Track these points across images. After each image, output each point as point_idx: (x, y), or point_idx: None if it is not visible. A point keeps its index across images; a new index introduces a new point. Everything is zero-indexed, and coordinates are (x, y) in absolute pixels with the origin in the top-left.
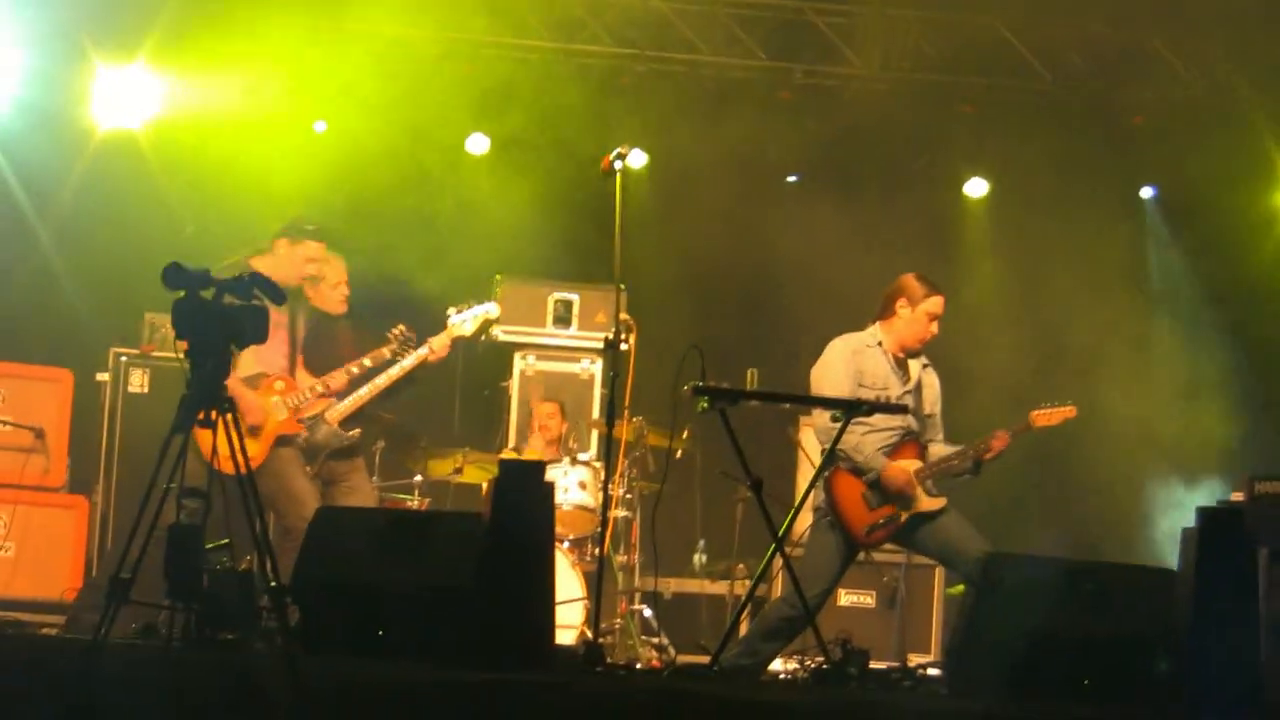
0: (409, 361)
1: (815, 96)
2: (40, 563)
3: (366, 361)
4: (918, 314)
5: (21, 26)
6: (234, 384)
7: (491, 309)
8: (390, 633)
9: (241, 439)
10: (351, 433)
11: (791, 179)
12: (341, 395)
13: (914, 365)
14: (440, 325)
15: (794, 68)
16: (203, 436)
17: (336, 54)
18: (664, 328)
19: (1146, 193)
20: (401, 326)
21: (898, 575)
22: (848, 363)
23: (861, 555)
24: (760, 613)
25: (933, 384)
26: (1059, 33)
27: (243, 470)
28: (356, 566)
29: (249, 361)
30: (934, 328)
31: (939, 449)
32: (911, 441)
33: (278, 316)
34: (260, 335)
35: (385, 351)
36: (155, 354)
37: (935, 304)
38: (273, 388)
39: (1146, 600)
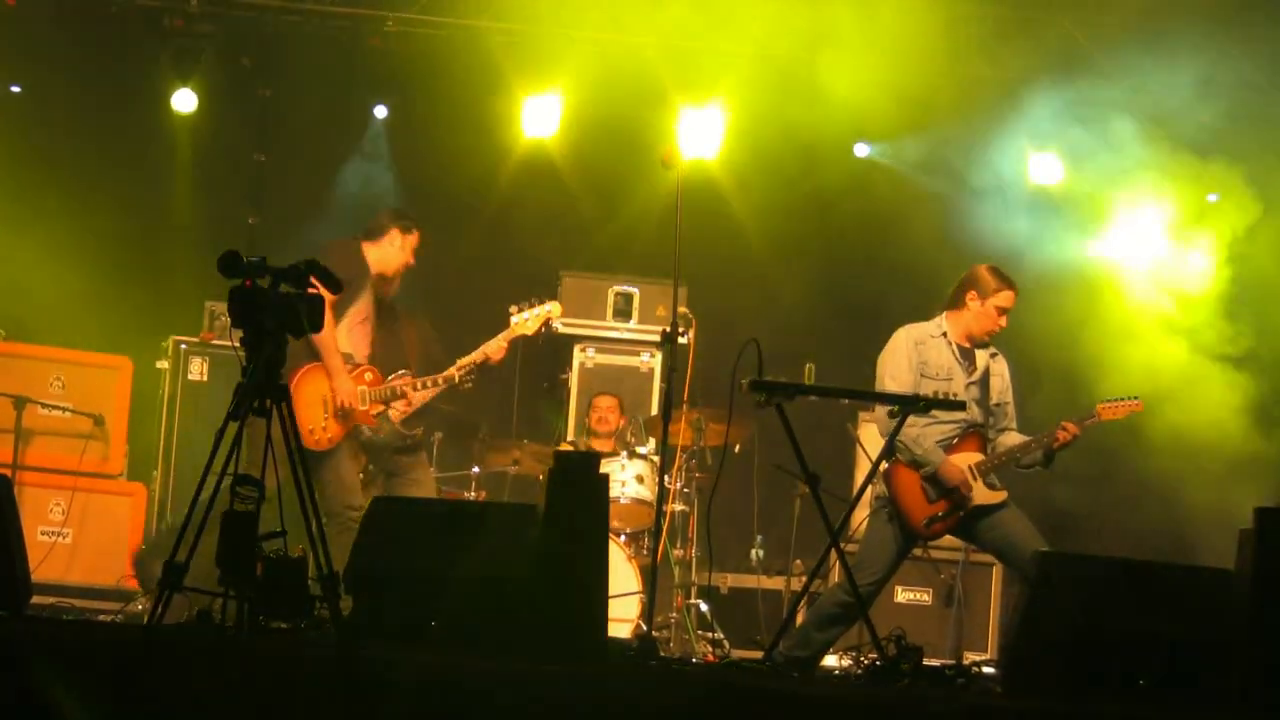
0: (468, 360)
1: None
2: (98, 549)
3: (439, 381)
4: (987, 307)
5: None
6: (338, 364)
7: (552, 308)
8: (444, 623)
9: (296, 428)
10: (415, 431)
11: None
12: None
13: (981, 354)
14: (502, 321)
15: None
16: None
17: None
18: (724, 321)
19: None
20: (469, 364)
21: (955, 573)
22: (910, 353)
23: (919, 551)
24: (814, 603)
25: (1002, 372)
26: None
27: (297, 457)
28: (411, 556)
29: (341, 342)
30: (1003, 321)
31: (1011, 439)
32: (974, 434)
33: (363, 309)
34: (316, 324)
35: (454, 375)
36: (214, 342)
37: (1006, 298)
38: (363, 377)
39: (1203, 600)
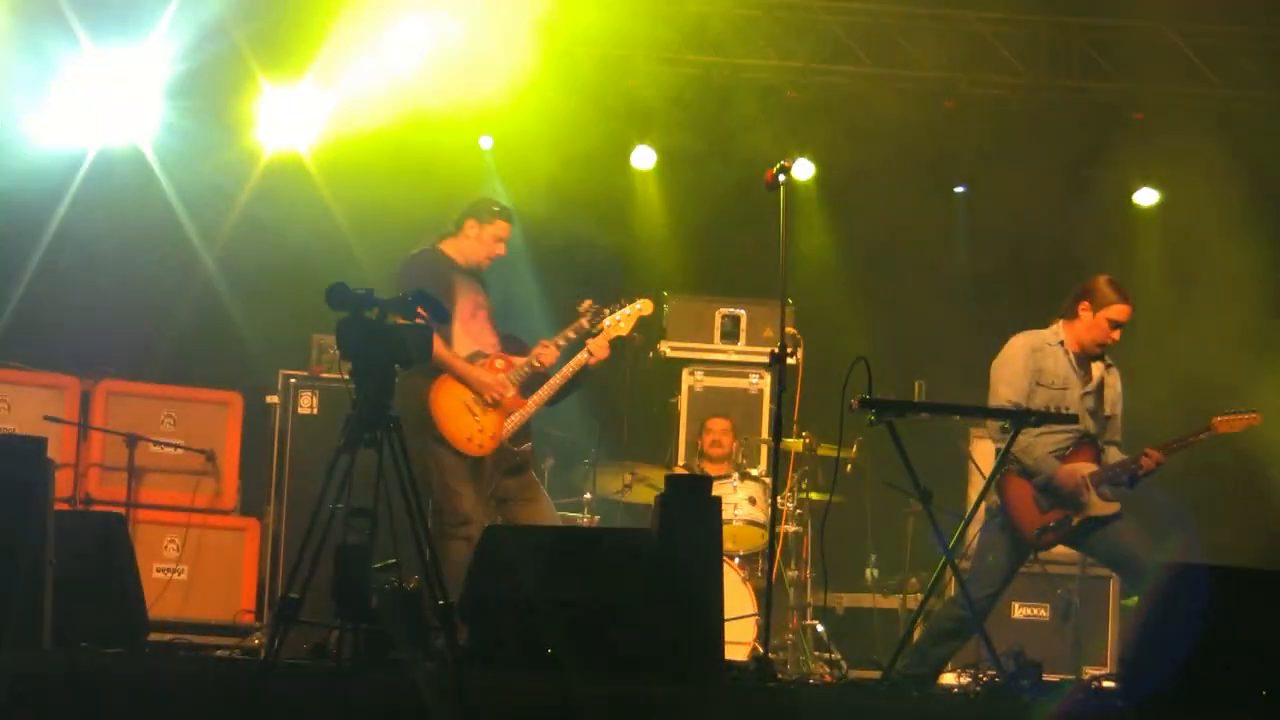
0: (569, 366)
1: (980, 105)
2: (213, 585)
3: (571, 334)
4: (1098, 319)
5: (185, 48)
6: (465, 366)
7: (642, 305)
8: (560, 649)
9: (407, 456)
10: (523, 446)
11: (959, 189)
12: (534, 385)
13: (1097, 364)
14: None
15: (959, 77)
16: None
17: (502, 70)
18: (832, 341)
19: None
20: (589, 300)
21: (1072, 587)
22: (1026, 360)
23: (1035, 566)
24: (930, 618)
25: (1114, 384)
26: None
27: (409, 486)
28: (525, 583)
29: (464, 342)
30: (1115, 334)
31: (1115, 454)
32: (1087, 445)
33: (479, 298)
34: (425, 355)
35: (584, 323)
36: (323, 375)
37: (1119, 311)
38: (494, 366)
39: None
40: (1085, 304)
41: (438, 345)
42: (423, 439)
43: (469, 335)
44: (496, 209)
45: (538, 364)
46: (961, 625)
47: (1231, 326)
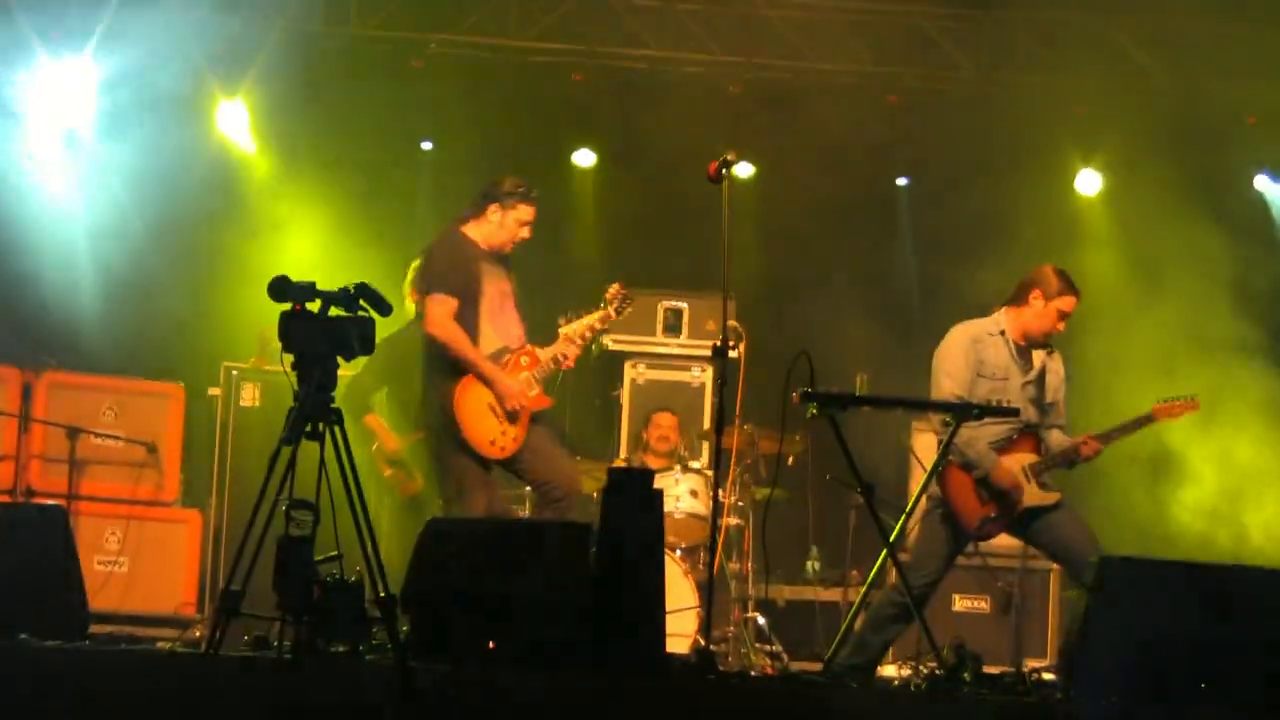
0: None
1: (922, 98)
2: (154, 577)
3: (597, 324)
4: (1049, 309)
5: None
6: (490, 369)
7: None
8: (501, 642)
9: (349, 448)
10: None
11: (901, 182)
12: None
13: (1038, 352)
14: (553, 336)
15: (902, 71)
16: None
17: (435, 72)
18: (773, 334)
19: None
20: (617, 285)
21: (1013, 580)
22: (967, 351)
23: (977, 559)
24: (870, 607)
25: (1057, 370)
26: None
27: (351, 478)
28: (466, 576)
29: (490, 337)
30: (1061, 325)
31: (1059, 437)
32: (1029, 435)
33: (504, 285)
34: (367, 347)
35: (611, 311)
36: (266, 367)
37: (1067, 302)
38: (519, 364)
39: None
40: (1037, 292)
41: (462, 345)
42: (445, 443)
43: (495, 330)
44: (520, 191)
45: (562, 361)
46: (901, 612)
47: (1175, 314)
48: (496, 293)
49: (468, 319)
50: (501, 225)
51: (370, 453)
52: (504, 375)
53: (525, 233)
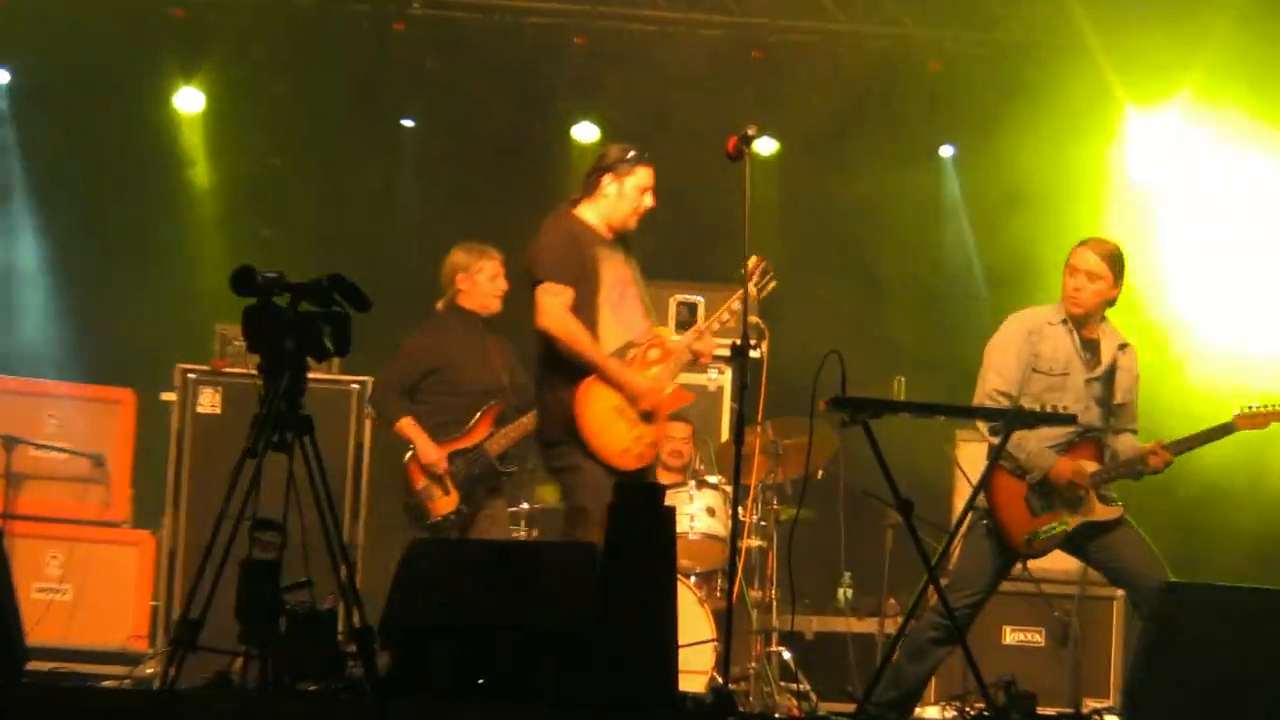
0: None
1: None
2: (101, 607)
3: (736, 304)
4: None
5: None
6: (615, 367)
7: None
8: (493, 679)
9: (321, 462)
10: (510, 469)
11: (947, 151)
12: None
13: (1108, 345)
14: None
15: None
16: None
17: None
18: (800, 330)
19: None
20: (755, 257)
21: (1070, 609)
22: (1020, 346)
23: (1031, 585)
24: (906, 636)
25: (1129, 367)
26: None
27: (324, 494)
28: (456, 605)
29: (613, 331)
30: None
31: (1130, 443)
32: (1089, 441)
33: (625, 271)
34: (342, 345)
35: (752, 289)
36: (227, 370)
37: (1082, 259)
38: (648, 358)
39: None
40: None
41: (581, 340)
42: (569, 455)
43: (619, 322)
44: (632, 154)
45: (700, 356)
46: (944, 635)
47: None
48: (617, 280)
49: (585, 312)
50: (621, 197)
51: (402, 463)
52: (632, 373)
53: (649, 200)
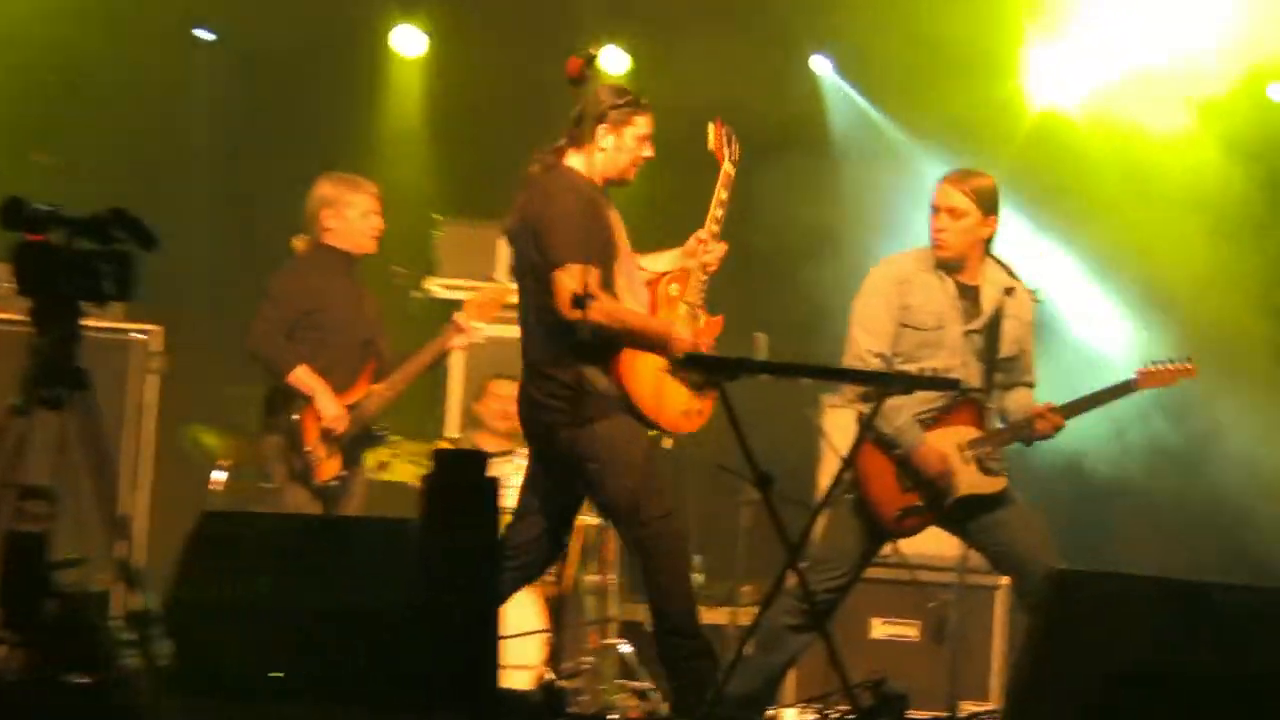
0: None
1: None
2: None
3: (724, 193)
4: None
5: None
6: (659, 326)
7: None
8: (292, 671)
9: (98, 421)
10: (382, 433)
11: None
12: None
13: (990, 291)
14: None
15: None
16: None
17: None
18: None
19: None
20: (714, 122)
21: (948, 599)
22: (888, 297)
23: (904, 573)
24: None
25: (1018, 314)
26: None
27: (101, 458)
28: (251, 586)
29: (629, 302)
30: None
31: (1026, 399)
32: (968, 404)
33: (616, 219)
34: (125, 290)
35: (727, 164)
36: None
37: (943, 196)
38: (669, 297)
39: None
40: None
41: (623, 314)
42: (624, 428)
43: (634, 298)
44: (625, 100)
45: (709, 266)
46: (800, 623)
47: None
48: (626, 247)
49: (606, 290)
50: (619, 149)
51: (290, 419)
52: (672, 326)
53: (648, 150)
